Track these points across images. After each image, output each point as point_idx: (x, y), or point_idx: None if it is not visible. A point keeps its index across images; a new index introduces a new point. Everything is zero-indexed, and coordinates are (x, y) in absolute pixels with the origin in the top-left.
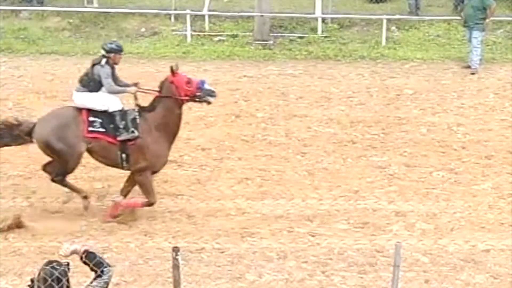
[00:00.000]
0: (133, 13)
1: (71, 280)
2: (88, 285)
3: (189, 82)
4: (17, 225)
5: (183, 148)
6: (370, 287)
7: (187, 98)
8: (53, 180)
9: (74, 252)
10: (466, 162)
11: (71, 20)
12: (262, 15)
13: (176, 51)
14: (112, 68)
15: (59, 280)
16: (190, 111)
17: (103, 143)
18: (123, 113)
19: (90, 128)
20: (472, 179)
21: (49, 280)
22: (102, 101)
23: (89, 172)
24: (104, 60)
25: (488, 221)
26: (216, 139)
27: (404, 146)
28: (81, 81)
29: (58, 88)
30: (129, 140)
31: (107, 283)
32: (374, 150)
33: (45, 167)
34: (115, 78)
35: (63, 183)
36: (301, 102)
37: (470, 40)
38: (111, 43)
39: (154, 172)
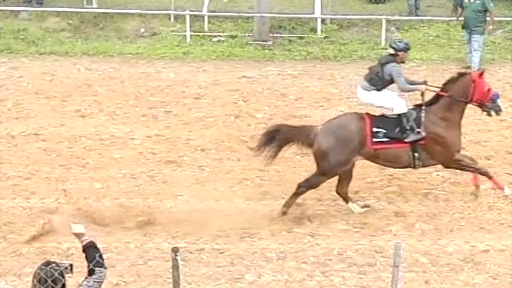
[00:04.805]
0: (133, 14)
1: (71, 280)
2: (80, 285)
3: (488, 91)
4: (48, 229)
5: (182, 148)
6: (370, 287)
7: (475, 103)
8: (296, 192)
9: (81, 235)
10: None
11: (70, 21)
12: (261, 16)
13: (176, 52)
14: None
15: (54, 281)
16: (190, 111)
17: (390, 151)
18: (407, 114)
19: (374, 139)
20: (472, 179)
21: (49, 280)
22: (390, 100)
23: (89, 173)
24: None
25: (488, 221)
26: (216, 140)
27: None
28: (370, 80)
29: (58, 89)
30: (417, 140)
31: (99, 283)
32: None
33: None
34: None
35: (301, 195)
36: (301, 102)
37: (469, 41)
38: (400, 42)
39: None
